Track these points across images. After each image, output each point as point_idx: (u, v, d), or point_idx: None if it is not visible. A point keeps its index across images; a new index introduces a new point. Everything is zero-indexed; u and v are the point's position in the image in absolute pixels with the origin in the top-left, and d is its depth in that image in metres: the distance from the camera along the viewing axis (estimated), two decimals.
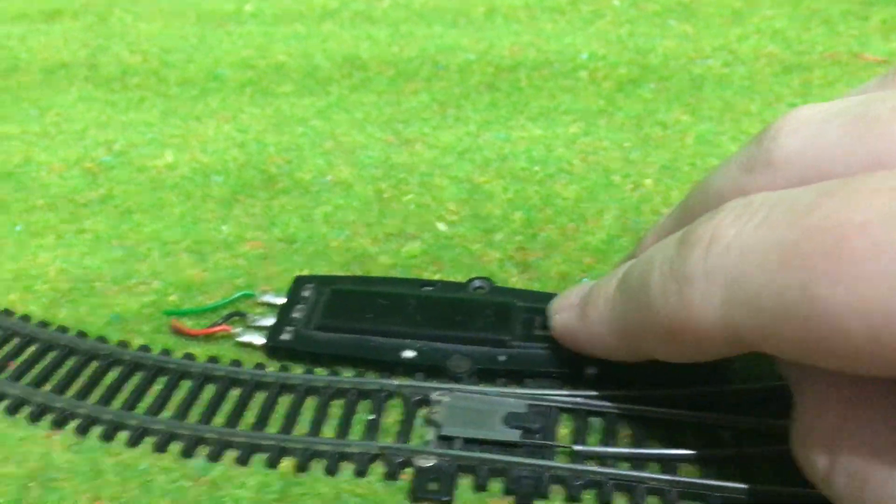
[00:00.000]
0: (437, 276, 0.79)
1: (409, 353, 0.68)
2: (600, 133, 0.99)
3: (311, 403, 0.67)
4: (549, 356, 0.67)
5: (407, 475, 0.62)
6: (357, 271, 0.81)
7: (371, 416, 0.65)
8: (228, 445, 0.64)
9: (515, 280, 0.79)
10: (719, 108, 1.01)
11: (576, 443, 0.62)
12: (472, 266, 0.81)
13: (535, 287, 0.77)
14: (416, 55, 1.19)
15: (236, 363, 0.71)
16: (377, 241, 0.85)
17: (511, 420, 0.63)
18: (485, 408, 0.64)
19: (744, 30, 1.17)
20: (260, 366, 0.70)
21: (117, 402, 0.68)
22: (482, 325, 0.69)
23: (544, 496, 0.59)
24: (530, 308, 0.71)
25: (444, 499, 0.59)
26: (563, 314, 0.63)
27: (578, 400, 0.64)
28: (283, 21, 1.32)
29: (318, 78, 1.15)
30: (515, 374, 0.67)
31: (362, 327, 0.70)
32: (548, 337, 0.68)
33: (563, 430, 0.64)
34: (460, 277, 0.78)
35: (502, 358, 0.67)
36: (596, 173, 0.92)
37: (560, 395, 0.64)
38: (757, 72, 1.07)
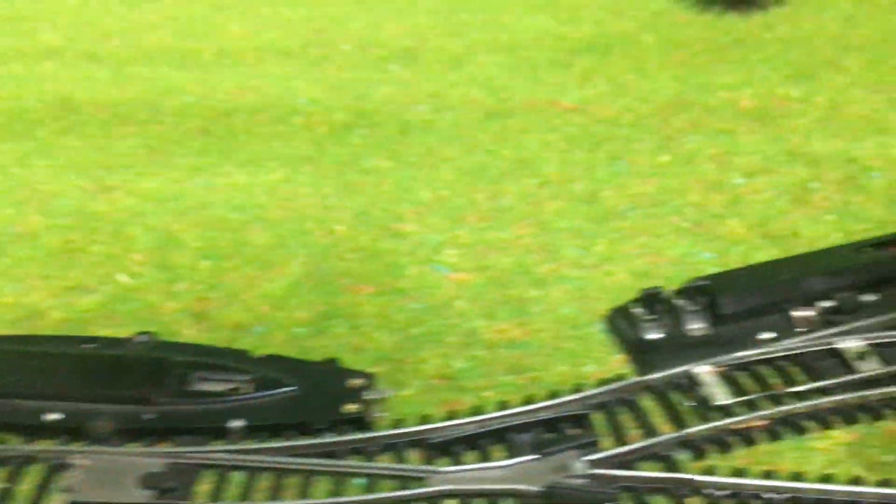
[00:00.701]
0: (110, 331, 0.78)
1: (53, 416, 0.67)
2: (303, 179, 1.00)
3: None
4: (197, 412, 0.67)
5: None
6: (27, 329, 0.79)
7: (5, 486, 0.63)
8: None
9: (190, 332, 0.78)
10: (421, 154, 1.05)
11: (213, 500, 0.62)
12: (149, 319, 0.80)
13: (208, 338, 0.77)
14: (135, 97, 1.17)
15: None
16: (54, 295, 0.83)
17: (147, 481, 0.62)
18: (123, 469, 0.63)
19: (458, 76, 1.23)
20: None
21: None
22: (132, 383, 0.68)
23: None
24: (189, 363, 0.71)
25: None
26: None
27: (222, 455, 0.65)
28: (0, 61, 1.27)
29: (26, 121, 1.12)
30: (163, 432, 0.66)
31: (6, 390, 0.68)
32: (200, 392, 0.68)
33: (205, 487, 0.64)
34: (133, 331, 0.77)
35: (148, 416, 0.67)
36: (291, 220, 0.93)
37: (203, 452, 0.64)
38: (462, 118, 1.12)
